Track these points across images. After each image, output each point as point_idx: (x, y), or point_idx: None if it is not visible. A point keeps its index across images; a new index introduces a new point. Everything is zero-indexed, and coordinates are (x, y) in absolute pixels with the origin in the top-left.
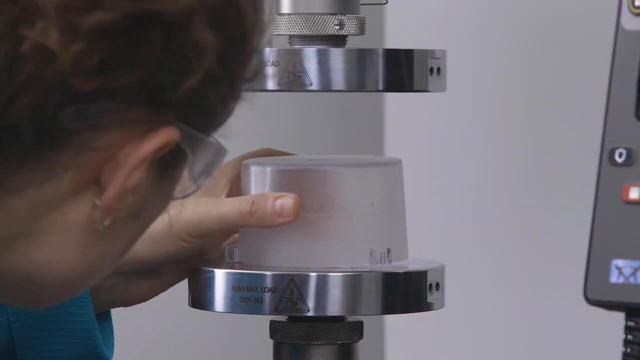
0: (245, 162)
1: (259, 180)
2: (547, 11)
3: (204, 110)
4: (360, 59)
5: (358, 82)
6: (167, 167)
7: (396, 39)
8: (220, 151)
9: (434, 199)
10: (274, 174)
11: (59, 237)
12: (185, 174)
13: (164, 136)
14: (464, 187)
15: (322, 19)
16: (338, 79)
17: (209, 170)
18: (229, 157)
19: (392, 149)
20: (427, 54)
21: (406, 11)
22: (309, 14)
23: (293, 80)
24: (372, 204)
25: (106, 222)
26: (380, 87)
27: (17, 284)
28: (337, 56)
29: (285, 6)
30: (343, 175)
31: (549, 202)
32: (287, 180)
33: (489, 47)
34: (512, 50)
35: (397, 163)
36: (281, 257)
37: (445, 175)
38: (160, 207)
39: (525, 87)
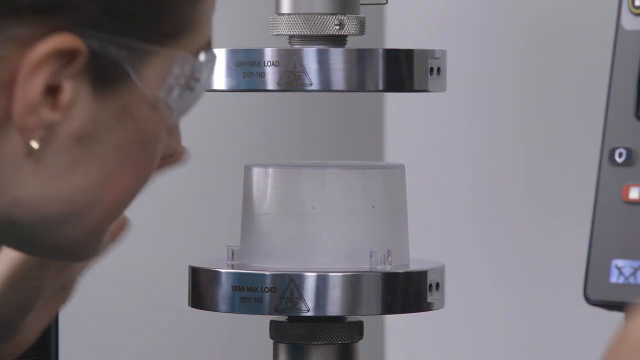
0: (247, 164)
1: (261, 181)
2: (547, 11)
3: (116, 13)
4: (360, 59)
5: (358, 82)
6: (104, 82)
7: (396, 39)
8: (187, 61)
9: (434, 199)
10: (276, 174)
11: (8, 174)
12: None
13: (54, 42)
14: (464, 187)
15: (322, 19)
16: (338, 79)
17: (180, 82)
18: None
19: (392, 149)
20: (427, 54)
21: (406, 11)
22: (309, 14)
23: (293, 80)
24: (373, 206)
25: (34, 145)
26: (380, 87)
27: (6, 228)
28: (337, 56)
29: (285, 6)
30: (344, 177)
31: (549, 202)
32: (288, 181)
33: (489, 47)
34: (512, 50)
35: (400, 167)
36: (281, 258)
37: (445, 175)
38: (126, 128)
39: (525, 87)
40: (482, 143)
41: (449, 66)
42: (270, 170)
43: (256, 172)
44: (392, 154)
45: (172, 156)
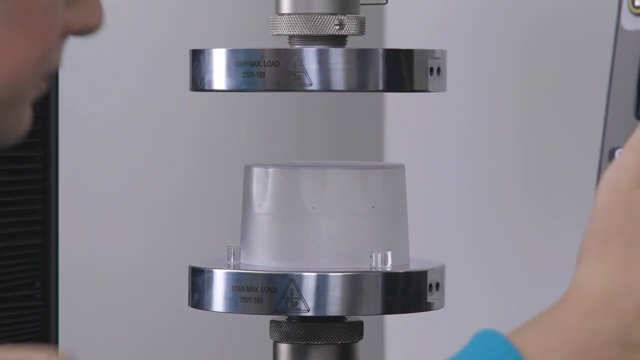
0: (247, 164)
1: (261, 181)
2: (547, 11)
3: None
4: (360, 59)
5: (358, 82)
6: None
7: (396, 39)
8: None
9: (434, 199)
10: (276, 174)
11: None
12: None
13: None
14: (464, 187)
15: (322, 19)
16: (338, 79)
17: None
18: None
19: (392, 149)
20: (427, 54)
21: (406, 11)
22: (309, 14)
23: (293, 80)
24: (373, 206)
25: None
26: (381, 87)
27: None
28: (337, 56)
29: (285, 6)
30: (344, 177)
31: (549, 202)
32: (288, 181)
33: (489, 47)
34: (512, 51)
35: (400, 167)
36: (281, 258)
37: (445, 175)
38: None
39: (525, 87)
40: (482, 143)
41: (449, 66)
42: (270, 170)
43: (256, 172)
44: (392, 154)
45: (89, 28)
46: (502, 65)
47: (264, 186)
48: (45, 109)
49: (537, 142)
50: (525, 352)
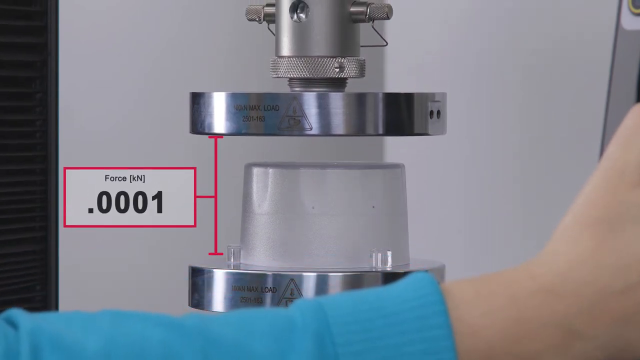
0: (246, 163)
1: (261, 181)
2: (546, 10)
3: None
4: (360, 103)
5: (358, 126)
6: None
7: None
8: None
9: (434, 199)
10: (276, 174)
11: None
12: None
13: None
14: (464, 187)
15: (322, 62)
16: (338, 123)
17: None
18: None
19: (392, 149)
20: (427, 97)
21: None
22: (309, 56)
23: (293, 125)
24: (373, 206)
25: None
26: (380, 131)
27: None
28: (337, 100)
29: (285, 49)
30: (344, 177)
31: (549, 203)
32: (288, 181)
33: (491, 50)
34: (512, 51)
35: (400, 167)
36: (281, 258)
37: (445, 175)
38: None
39: (525, 83)
40: (482, 142)
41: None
42: (270, 170)
43: (256, 172)
44: (392, 154)
45: None
46: (502, 64)
47: (264, 186)
48: (45, 109)
49: (536, 141)
50: (465, 309)
